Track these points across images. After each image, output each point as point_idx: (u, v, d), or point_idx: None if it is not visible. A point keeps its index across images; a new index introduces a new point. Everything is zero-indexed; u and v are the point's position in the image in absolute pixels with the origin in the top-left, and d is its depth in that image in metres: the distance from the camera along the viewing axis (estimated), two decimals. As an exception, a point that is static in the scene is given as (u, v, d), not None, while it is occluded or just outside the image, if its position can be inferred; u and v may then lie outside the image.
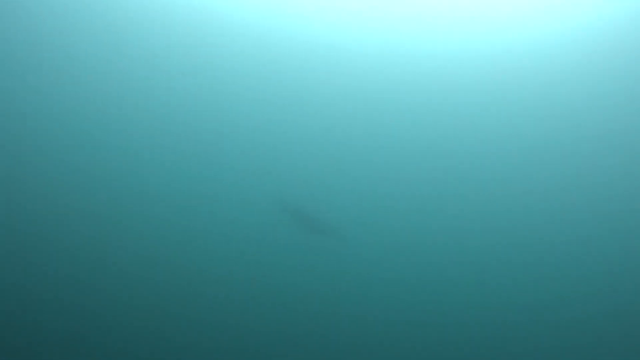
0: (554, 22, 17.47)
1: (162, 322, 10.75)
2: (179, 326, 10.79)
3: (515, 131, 16.51)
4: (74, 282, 11.03)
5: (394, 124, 16.85)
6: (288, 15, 18.31)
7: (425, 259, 13.13)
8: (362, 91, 17.58)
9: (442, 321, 11.75)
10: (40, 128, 14.71)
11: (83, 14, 17.42)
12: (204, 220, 13.43)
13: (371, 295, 12.13)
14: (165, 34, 17.78)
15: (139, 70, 17.12)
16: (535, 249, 13.43)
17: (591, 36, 17.26)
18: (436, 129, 16.71)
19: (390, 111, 17.13)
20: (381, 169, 15.58)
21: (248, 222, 13.39)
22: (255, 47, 18.23)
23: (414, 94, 17.48)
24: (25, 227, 11.89)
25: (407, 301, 12.11)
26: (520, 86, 17.33)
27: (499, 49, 17.94)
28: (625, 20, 16.78)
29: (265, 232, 13.10)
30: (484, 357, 11.04)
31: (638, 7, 16.26)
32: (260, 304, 11.52)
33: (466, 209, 14.57)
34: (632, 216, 13.80)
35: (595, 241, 13.30)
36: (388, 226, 13.88)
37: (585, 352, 10.83)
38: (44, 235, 11.82)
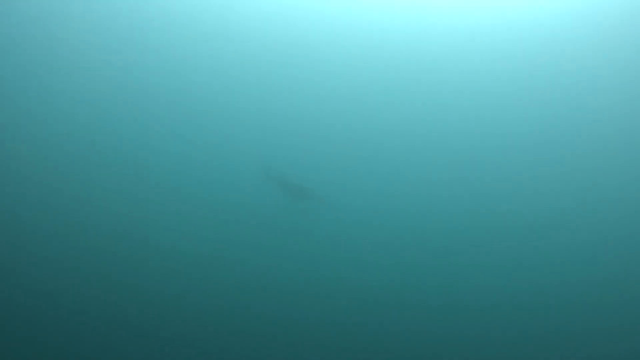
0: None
1: (154, 293, 10.91)
2: (170, 294, 10.95)
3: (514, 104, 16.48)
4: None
5: (383, 93, 16.88)
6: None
7: (409, 223, 13.32)
8: (342, 61, 17.53)
9: (425, 284, 11.91)
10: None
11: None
12: (193, 190, 13.60)
13: (359, 257, 12.30)
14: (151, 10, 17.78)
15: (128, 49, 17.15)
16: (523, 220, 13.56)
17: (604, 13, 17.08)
18: (422, 94, 16.77)
19: (377, 80, 17.13)
20: (367, 137, 15.72)
21: (235, 191, 13.59)
22: (244, 19, 18.19)
23: (393, 64, 17.47)
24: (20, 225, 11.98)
25: (390, 264, 12.27)
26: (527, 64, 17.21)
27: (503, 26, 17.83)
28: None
29: (252, 199, 13.30)
30: (468, 323, 11.19)
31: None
32: (249, 270, 11.64)
33: (449, 171, 14.75)
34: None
35: (597, 238, 13.23)
36: (373, 191, 14.09)
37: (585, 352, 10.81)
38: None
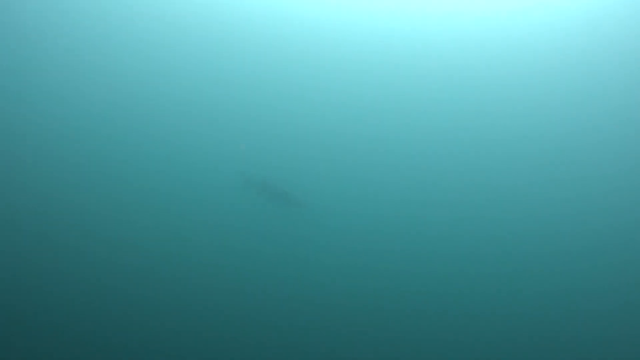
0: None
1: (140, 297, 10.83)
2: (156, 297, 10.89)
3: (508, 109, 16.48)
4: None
5: (370, 96, 16.82)
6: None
7: (396, 228, 13.28)
8: (327, 64, 17.47)
9: (411, 289, 11.87)
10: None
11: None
12: (176, 194, 13.45)
13: (344, 264, 12.25)
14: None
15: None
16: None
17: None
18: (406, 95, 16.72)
19: (365, 83, 17.09)
20: (353, 141, 15.63)
21: (218, 197, 13.43)
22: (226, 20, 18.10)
23: (379, 66, 17.44)
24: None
25: (378, 269, 12.23)
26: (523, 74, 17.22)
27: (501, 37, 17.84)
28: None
29: (237, 205, 13.16)
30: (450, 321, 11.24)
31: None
32: (234, 276, 11.58)
33: (437, 176, 14.75)
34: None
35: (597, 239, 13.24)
36: (359, 196, 14.03)
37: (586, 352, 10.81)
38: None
